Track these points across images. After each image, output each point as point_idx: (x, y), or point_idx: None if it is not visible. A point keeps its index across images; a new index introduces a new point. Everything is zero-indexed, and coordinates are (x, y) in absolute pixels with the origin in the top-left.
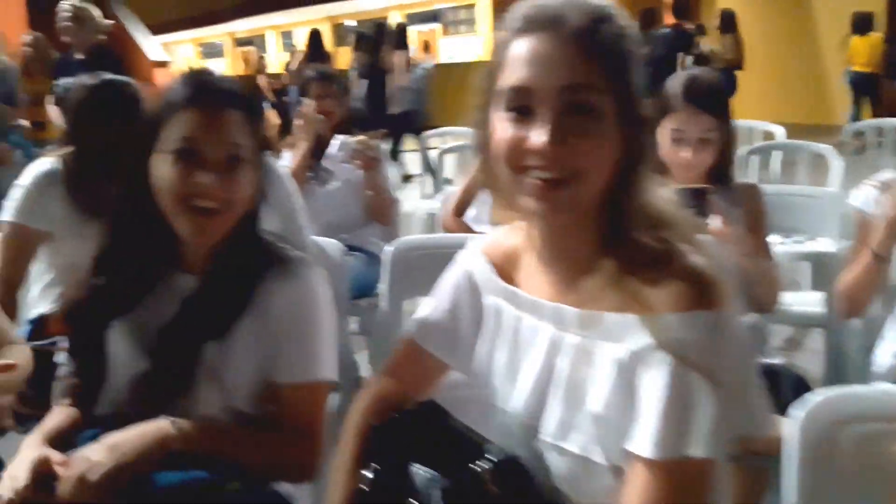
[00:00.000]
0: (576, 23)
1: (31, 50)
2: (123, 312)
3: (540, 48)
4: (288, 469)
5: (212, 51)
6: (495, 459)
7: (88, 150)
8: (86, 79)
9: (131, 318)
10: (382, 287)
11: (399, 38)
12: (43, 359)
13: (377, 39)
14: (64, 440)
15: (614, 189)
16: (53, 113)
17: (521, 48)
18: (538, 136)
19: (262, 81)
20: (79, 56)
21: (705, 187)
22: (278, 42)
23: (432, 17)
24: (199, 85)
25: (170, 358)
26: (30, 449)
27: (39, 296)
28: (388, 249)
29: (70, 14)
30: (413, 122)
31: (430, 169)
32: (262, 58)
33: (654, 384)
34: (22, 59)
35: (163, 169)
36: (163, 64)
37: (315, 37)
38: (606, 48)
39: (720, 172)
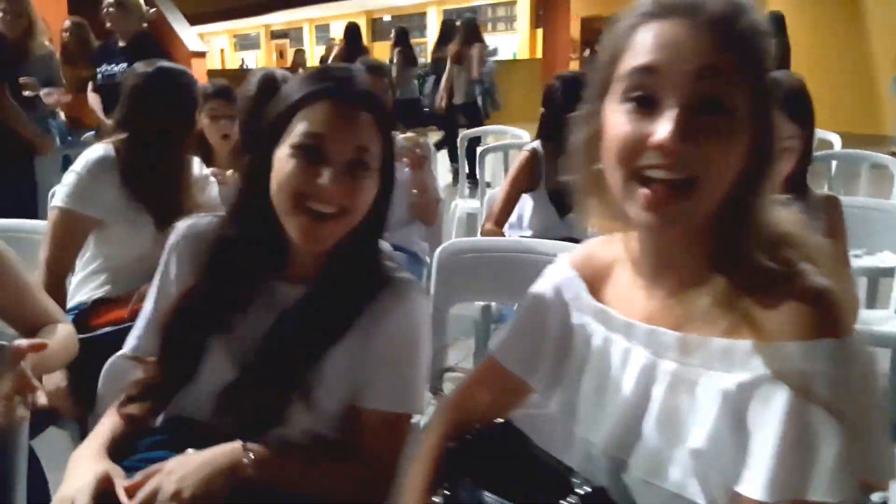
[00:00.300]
0: (714, 9)
1: (72, 36)
2: (224, 319)
3: (672, 32)
4: (360, 501)
5: (246, 42)
6: (581, 492)
7: (142, 138)
8: (141, 66)
9: (228, 324)
10: (429, 290)
11: (473, 30)
12: (88, 350)
13: (449, 32)
14: (122, 448)
15: (733, 200)
16: (93, 100)
17: (650, 32)
18: (663, 129)
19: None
20: (121, 44)
21: (783, 197)
22: (313, 35)
23: (470, 13)
24: (336, 80)
25: (262, 372)
26: (89, 463)
27: (82, 283)
28: (436, 252)
29: (114, 2)
30: (471, 113)
31: (472, 169)
32: (301, 51)
33: (769, 419)
34: (62, 45)
35: (283, 164)
36: (200, 54)
37: (353, 30)
38: (744, 39)
39: (797, 182)
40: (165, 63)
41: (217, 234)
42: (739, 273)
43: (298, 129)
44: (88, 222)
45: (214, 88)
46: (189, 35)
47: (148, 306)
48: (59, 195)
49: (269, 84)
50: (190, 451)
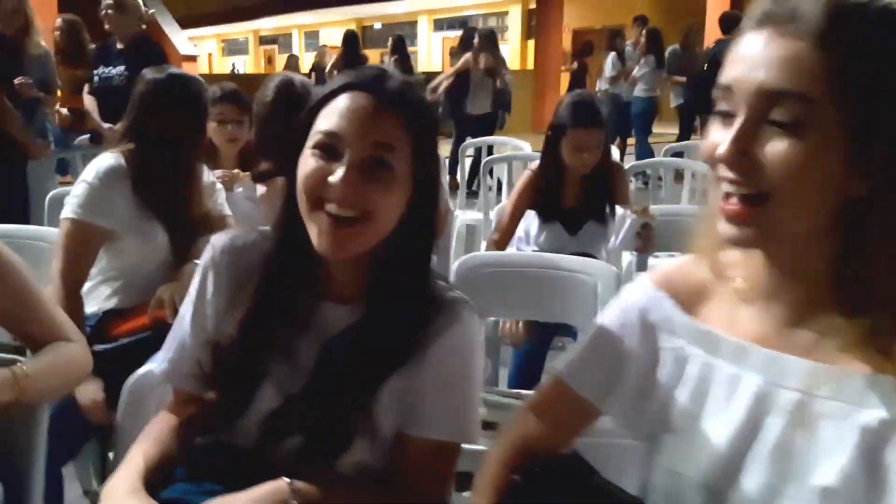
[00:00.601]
0: (813, 18)
1: (64, 35)
2: (274, 343)
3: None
4: None
5: (235, 47)
6: None
7: (153, 146)
8: (150, 72)
9: (277, 349)
10: None
11: (492, 41)
12: (110, 359)
13: (468, 42)
14: (157, 480)
15: (863, 205)
16: (90, 103)
17: (742, 43)
18: (723, 145)
19: None
20: (119, 46)
21: None
22: (302, 41)
23: (461, 23)
24: (360, 76)
25: (312, 401)
26: (126, 500)
27: (92, 292)
28: (454, 266)
29: (115, 2)
30: (489, 124)
31: (474, 178)
32: (294, 56)
33: None
34: (55, 44)
35: (303, 166)
36: (191, 58)
37: (351, 37)
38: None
39: None
40: (176, 70)
41: (260, 253)
42: (877, 294)
43: (316, 127)
44: (101, 233)
45: (223, 92)
46: (180, 39)
47: (182, 326)
48: (70, 206)
49: (287, 90)
50: (230, 496)
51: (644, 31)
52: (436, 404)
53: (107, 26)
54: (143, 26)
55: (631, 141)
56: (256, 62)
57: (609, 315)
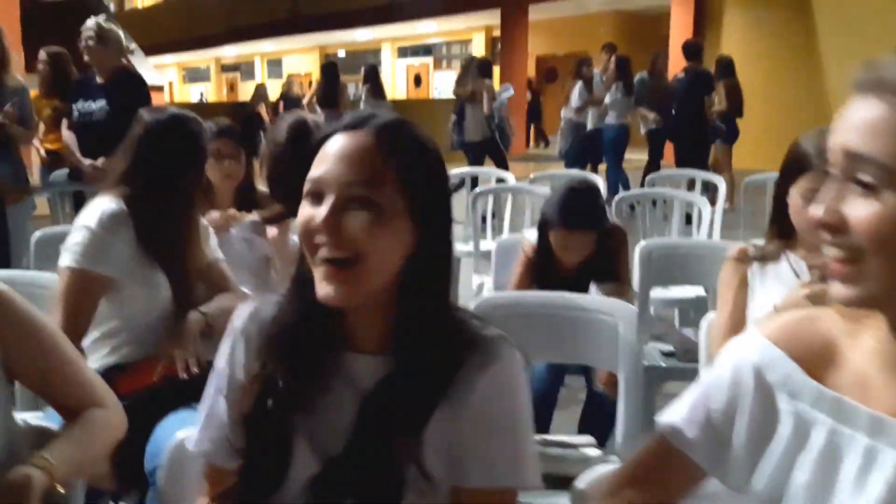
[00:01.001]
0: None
1: (49, 67)
2: (304, 404)
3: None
4: None
5: (196, 75)
6: None
7: (156, 190)
8: (148, 113)
9: (308, 407)
10: None
11: (486, 67)
12: None
13: (465, 69)
14: None
15: None
16: (69, 138)
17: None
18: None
19: (262, 110)
20: (99, 80)
21: None
22: (265, 69)
23: (424, 50)
24: (350, 118)
25: (358, 463)
26: None
27: (93, 347)
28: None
29: (95, 34)
30: (491, 150)
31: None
32: (262, 85)
33: None
34: (40, 77)
35: (298, 215)
36: (157, 88)
37: (331, 67)
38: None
39: None
40: (176, 110)
41: (282, 312)
42: None
43: (308, 176)
44: (103, 282)
45: (219, 128)
46: (145, 67)
47: (214, 400)
48: (70, 254)
49: (301, 130)
50: None
51: (613, 59)
52: (486, 450)
53: (86, 58)
54: (124, 59)
55: (602, 167)
56: (218, 90)
57: (718, 371)
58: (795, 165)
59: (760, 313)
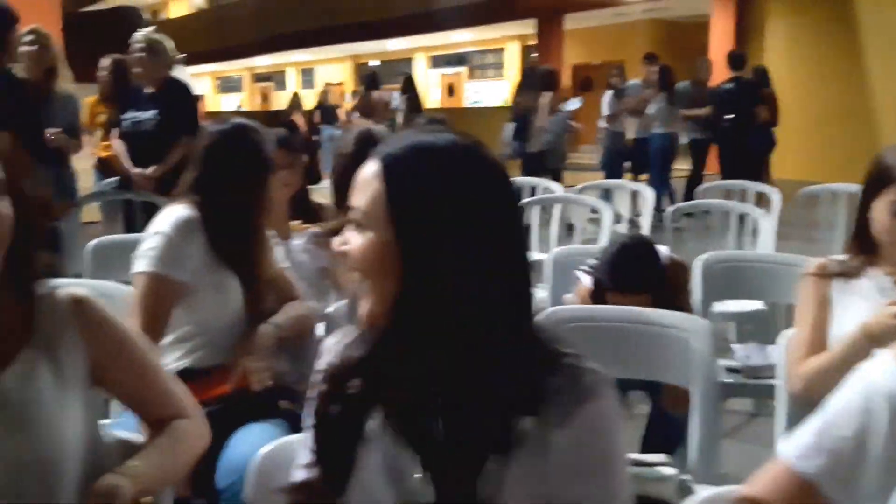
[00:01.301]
0: None
1: (111, 75)
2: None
3: None
4: None
5: (229, 85)
6: None
7: (224, 198)
8: (214, 124)
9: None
10: None
11: (549, 79)
12: None
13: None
14: None
15: None
16: (119, 147)
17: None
18: None
19: (298, 119)
20: (149, 90)
21: None
22: (298, 78)
23: (458, 60)
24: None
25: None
26: None
27: (167, 350)
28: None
29: (145, 45)
30: (548, 163)
31: None
32: (297, 94)
33: None
34: (100, 85)
35: None
36: (198, 98)
37: (373, 76)
38: None
39: None
40: (241, 120)
41: None
42: None
43: None
44: (178, 287)
45: (276, 138)
46: (185, 77)
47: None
48: (145, 259)
49: (368, 141)
50: None
51: (657, 69)
52: (583, 493)
53: (136, 70)
54: (171, 70)
55: (644, 176)
56: (251, 99)
57: (848, 397)
58: (879, 178)
59: (842, 331)
